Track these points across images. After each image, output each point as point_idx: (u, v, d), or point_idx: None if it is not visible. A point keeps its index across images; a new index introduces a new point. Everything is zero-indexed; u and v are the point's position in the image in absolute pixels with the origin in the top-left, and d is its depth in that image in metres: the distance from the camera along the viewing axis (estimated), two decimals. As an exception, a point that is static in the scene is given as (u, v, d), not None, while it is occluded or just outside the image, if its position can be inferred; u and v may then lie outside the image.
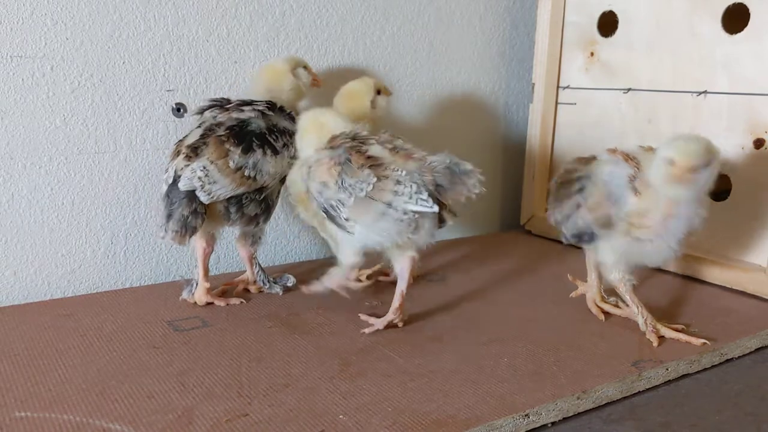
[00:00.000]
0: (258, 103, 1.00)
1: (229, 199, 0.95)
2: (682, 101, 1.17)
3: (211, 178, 0.92)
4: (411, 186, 0.84)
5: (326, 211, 0.89)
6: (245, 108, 0.99)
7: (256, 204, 0.97)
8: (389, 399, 0.73)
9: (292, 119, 1.01)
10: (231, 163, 0.93)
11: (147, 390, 0.74)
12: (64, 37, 1.01)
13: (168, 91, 1.10)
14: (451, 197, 0.86)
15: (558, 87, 1.41)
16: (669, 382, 0.81)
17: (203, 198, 0.91)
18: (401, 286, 0.92)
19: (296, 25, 1.20)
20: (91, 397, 0.72)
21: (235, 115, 0.98)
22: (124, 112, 1.07)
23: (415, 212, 0.84)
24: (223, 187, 0.93)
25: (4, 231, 1.02)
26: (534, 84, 1.41)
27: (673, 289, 1.10)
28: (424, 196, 0.83)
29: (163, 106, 1.10)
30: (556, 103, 1.41)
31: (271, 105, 1.01)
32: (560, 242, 1.37)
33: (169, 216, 0.92)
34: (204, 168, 0.92)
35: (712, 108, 1.13)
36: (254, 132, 0.96)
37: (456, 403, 0.72)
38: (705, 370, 0.84)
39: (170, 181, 0.93)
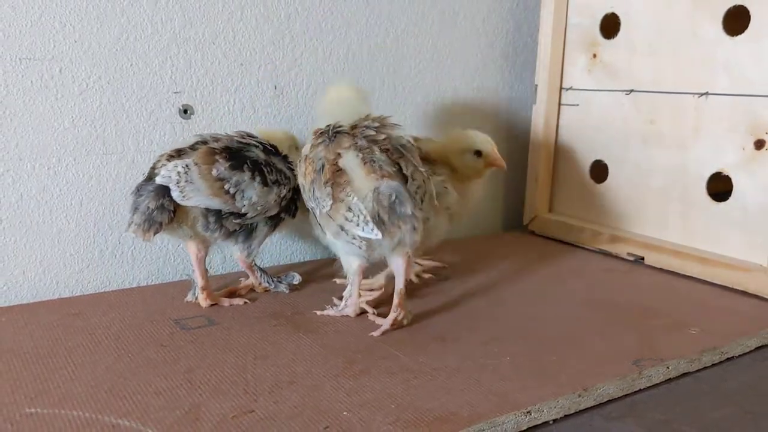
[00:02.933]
0: (261, 141, 1.01)
1: (208, 209, 0.95)
2: (684, 102, 1.18)
3: (189, 178, 0.91)
4: (359, 215, 0.85)
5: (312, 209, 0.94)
6: (250, 140, 1.00)
7: (235, 221, 0.97)
8: (393, 396, 0.74)
9: (291, 168, 1.01)
10: (214, 171, 0.93)
11: (155, 387, 0.75)
12: (73, 39, 1.03)
13: (175, 92, 1.11)
14: (392, 234, 0.86)
15: (561, 88, 1.42)
16: (669, 380, 0.82)
17: (176, 195, 0.91)
18: (399, 284, 0.93)
19: (301, 27, 1.21)
20: (100, 394, 0.73)
21: (238, 139, 0.99)
22: (131, 113, 1.09)
23: (361, 238, 0.87)
24: (197, 191, 0.92)
25: (13, 231, 1.03)
26: (537, 85, 1.42)
27: (674, 288, 1.11)
28: (370, 225, 0.85)
29: (170, 108, 1.12)
30: (559, 104, 1.42)
31: (274, 148, 1.02)
32: (563, 242, 1.39)
33: (135, 209, 0.92)
34: (186, 166, 0.92)
35: (713, 109, 1.14)
36: (250, 157, 0.97)
37: (458, 401, 0.73)
38: (705, 368, 0.85)
39: (144, 177, 0.94)
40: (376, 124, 0.92)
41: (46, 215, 1.05)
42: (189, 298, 1.02)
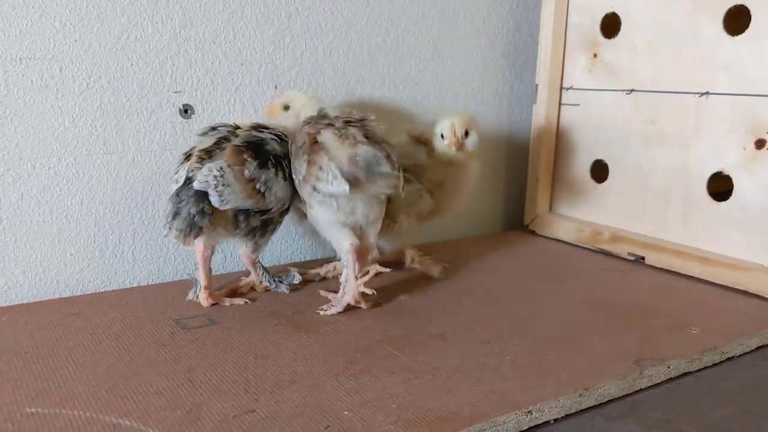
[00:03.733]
0: (273, 129, 1.01)
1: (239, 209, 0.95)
2: (685, 102, 1.18)
3: (226, 181, 0.91)
4: (328, 173, 0.90)
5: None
6: (263, 130, 1.00)
7: (259, 216, 0.98)
8: (393, 396, 0.74)
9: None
10: (246, 172, 0.93)
11: (155, 387, 0.75)
12: (73, 39, 1.03)
13: (175, 92, 1.11)
14: (367, 189, 0.91)
15: (561, 88, 1.42)
16: (670, 379, 0.82)
17: (214, 200, 0.91)
18: (346, 274, 0.97)
19: (302, 27, 1.21)
20: (101, 394, 0.73)
21: (254, 133, 0.99)
22: (132, 113, 1.09)
23: (331, 194, 0.91)
24: (234, 194, 0.92)
25: (14, 230, 1.03)
26: (537, 85, 1.42)
27: (675, 288, 1.11)
28: (339, 179, 0.89)
29: (170, 108, 1.12)
30: (560, 103, 1.42)
31: (284, 135, 1.02)
32: (564, 242, 1.39)
33: (175, 214, 0.92)
34: (221, 169, 0.92)
35: (714, 109, 1.14)
36: (270, 152, 0.97)
37: (459, 400, 0.73)
38: (706, 368, 0.85)
39: (180, 182, 0.92)
40: (359, 117, 0.97)
41: (47, 215, 1.05)
42: (190, 296, 1.02)
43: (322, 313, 0.97)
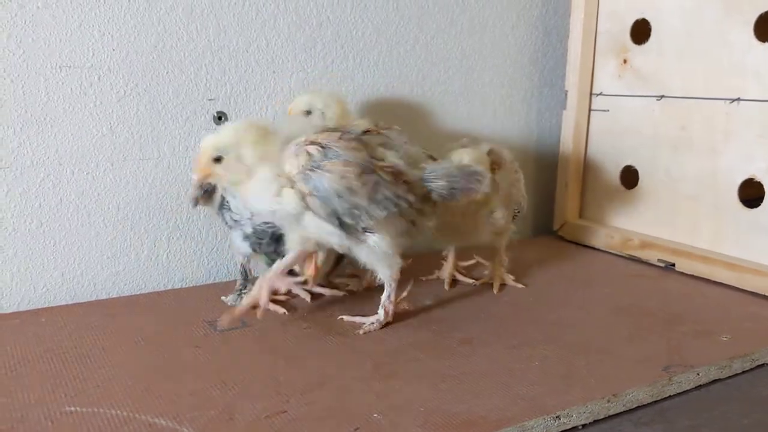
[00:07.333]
0: None
1: None
2: (715, 108, 1.18)
3: None
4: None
5: None
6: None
7: None
8: (421, 399, 0.75)
9: None
10: None
11: (189, 387, 0.77)
12: (111, 48, 1.05)
13: (209, 100, 1.14)
14: None
15: (591, 94, 1.41)
16: (699, 386, 0.81)
17: None
18: (387, 295, 0.97)
19: (332, 35, 1.23)
20: (137, 394, 0.75)
21: None
22: (167, 120, 1.11)
23: None
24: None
25: (53, 234, 1.06)
26: (567, 91, 1.42)
27: (705, 295, 1.11)
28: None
29: (204, 115, 1.14)
30: (589, 109, 1.42)
31: None
32: (593, 248, 1.38)
33: None
34: None
35: (744, 115, 1.13)
36: None
37: (487, 405, 0.73)
38: (736, 375, 0.85)
39: None
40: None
41: (84, 219, 1.08)
42: (231, 301, 1.03)
43: (362, 332, 0.94)
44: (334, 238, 0.89)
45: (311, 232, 0.90)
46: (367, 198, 0.86)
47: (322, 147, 0.86)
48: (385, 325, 0.96)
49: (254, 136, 0.88)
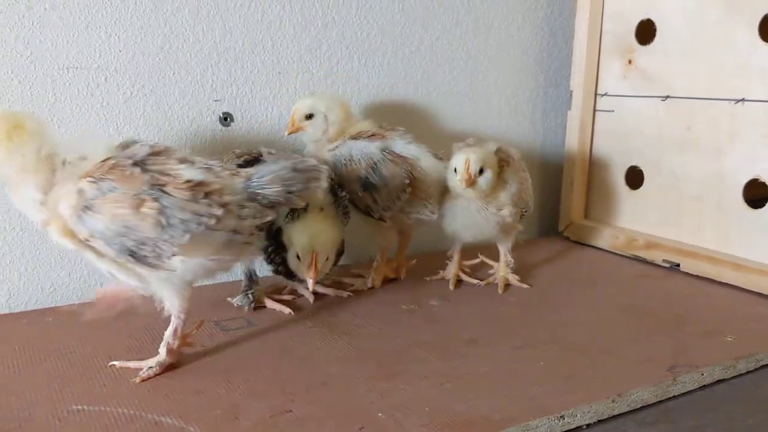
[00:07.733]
0: None
1: None
2: (720, 109, 1.18)
3: None
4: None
5: None
6: None
7: None
8: (425, 399, 0.75)
9: None
10: None
11: (195, 386, 0.77)
12: (117, 49, 1.06)
13: (215, 101, 1.14)
14: None
15: (596, 94, 1.41)
16: (704, 387, 0.81)
17: None
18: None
19: (338, 36, 1.23)
20: (143, 393, 0.76)
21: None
22: (173, 121, 1.12)
23: None
24: None
25: (60, 234, 1.07)
26: (572, 91, 1.42)
27: (710, 295, 1.11)
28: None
29: (210, 116, 1.14)
30: (594, 110, 1.42)
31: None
32: (598, 249, 1.38)
33: None
34: None
35: (749, 116, 1.13)
36: None
37: (491, 405, 0.74)
38: (740, 375, 0.85)
39: None
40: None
41: (91, 219, 1.08)
42: (237, 302, 1.04)
43: (138, 380, 0.80)
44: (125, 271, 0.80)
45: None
46: (153, 229, 0.74)
47: (94, 181, 0.74)
48: (168, 368, 0.82)
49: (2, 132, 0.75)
